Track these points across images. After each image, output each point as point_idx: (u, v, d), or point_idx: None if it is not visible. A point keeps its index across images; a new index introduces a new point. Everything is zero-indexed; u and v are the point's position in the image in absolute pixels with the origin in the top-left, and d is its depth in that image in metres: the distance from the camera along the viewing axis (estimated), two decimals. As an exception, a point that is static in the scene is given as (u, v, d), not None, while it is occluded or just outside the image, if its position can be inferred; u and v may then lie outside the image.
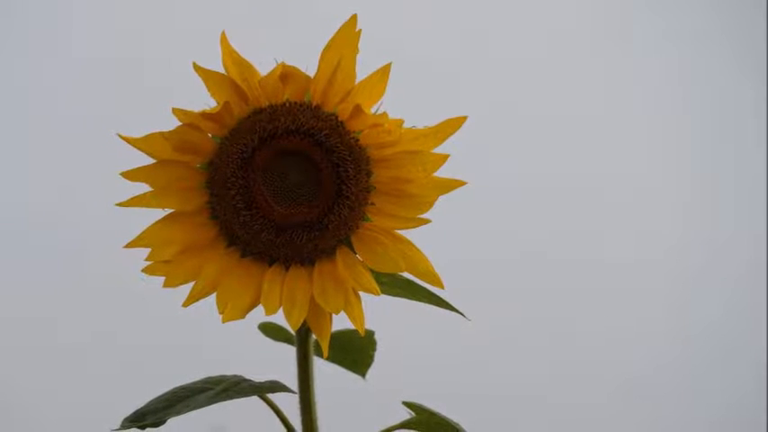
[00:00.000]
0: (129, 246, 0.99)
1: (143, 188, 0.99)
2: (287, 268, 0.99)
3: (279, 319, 0.99)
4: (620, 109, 2.44)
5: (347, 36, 0.96)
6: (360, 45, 0.96)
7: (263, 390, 1.04)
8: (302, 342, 1.07)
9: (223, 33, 0.96)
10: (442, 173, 0.98)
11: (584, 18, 2.44)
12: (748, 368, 2.37)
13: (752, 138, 2.42)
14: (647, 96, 2.45)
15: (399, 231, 0.99)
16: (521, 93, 2.42)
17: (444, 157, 0.97)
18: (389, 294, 1.05)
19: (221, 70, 0.97)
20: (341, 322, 1.00)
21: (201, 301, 0.99)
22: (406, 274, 0.99)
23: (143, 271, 0.99)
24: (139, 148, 0.98)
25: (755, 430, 2.34)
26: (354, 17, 0.96)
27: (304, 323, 0.98)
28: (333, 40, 0.96)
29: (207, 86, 0.97)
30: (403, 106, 0.99)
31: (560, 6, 2.43)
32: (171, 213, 0.99)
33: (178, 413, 1.02)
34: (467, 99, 2.32)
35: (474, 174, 1.01)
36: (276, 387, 1.04)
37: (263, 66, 0.97)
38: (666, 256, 2.41)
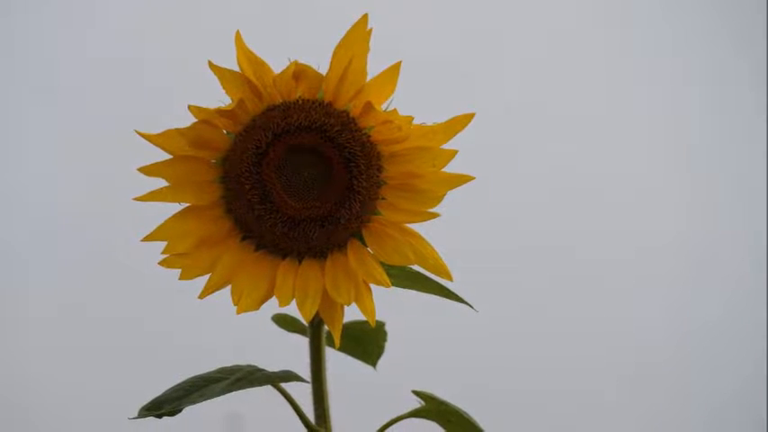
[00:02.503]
0: (145, 239, 0.99)
1: (160, 183, 0.99)
2: (300, 261, 0.99)
3: (292, 310, 0.99)
4: (621, 108, 2.44)
5: (358, 35, 0.96)
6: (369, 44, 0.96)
7: (277, 379, 1.04)
8: (315, 333, 1.07)
9: (238, 32, 0.96)
10: (450, 168, 0.98)
11: (583, 18, 2.43)
12: (748, 363, 2.36)
13: (752, 135, 2.42)
14: (648, 96, 2.44)
15: (409, 225, 0.99)
16: (522, 92, 2.41)
17: (453, 153, 0.97)
18: (400, 286, 1.05)
19: (235, 68, 0.96)
20: (352, 314, 0.99)
21: (217, 293, 0.99)
22: (416, 267, 0.99)
23: (160, 264, 0.99)
24: (156, 144, 0.98)
25: (755, 424, 2.34)
26: (365, 17, 0.96)
27: (316, 314, 0.98)
28: (344, 39, 0.96)
29: (222, 84, 0.97)
30: (411, 103, 0.99)
31: (559, 6, 2.42)
32: (187, 207, 0.99)
33: (194, 402, 1.02)
34: (470, 98, 2.32)
35: (480, 169, 1.00)
36: (289, 377, 1.04)
37: (275, 65, 0.97)
38: (667, 251, 2.41)
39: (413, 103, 1.00)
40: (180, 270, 0.99)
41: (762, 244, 2.39)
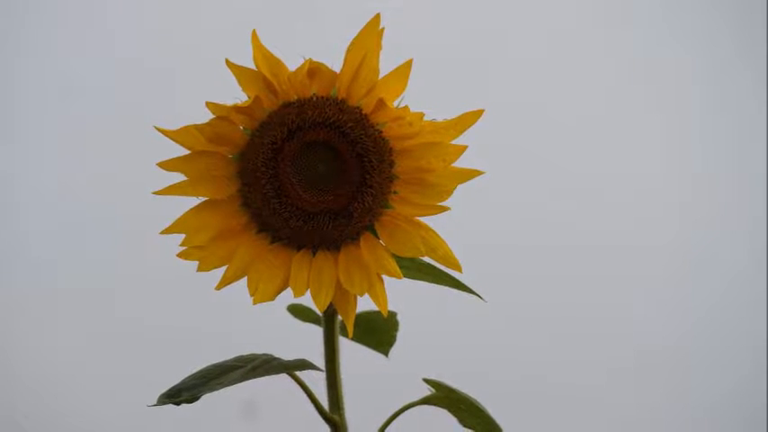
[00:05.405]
0: (164, 232, 0.99)
1: (178, 178, 0.99)
2: (314, 253, 1.00)
3: (306, 300, 0.99)
4: (621, 108, 2.43)
5: (371, 34, 0.96)
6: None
7: (292, 368, 1.04)
8: (328, 323, 1.07)
9: (254, 31, 0.96)
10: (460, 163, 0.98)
11: (584, 18, 2.43)
12: (747, 361, 2.36)
13: (752, 135, 2.41)
14: (647, 95, 2.43)
15: (420, 218, 0.99)
16: (524, 90, 2.41)
17: (462, 149, 0.98)
18: (411, 278, 1.05)
19: (252, 66, 0.96)
20: (365, 304, 0.99)
21: (233, 284, 0.99)
22: (427, 259, 0.99)
23: (178, 256, 0.99)
24: (175, 140, 0.98)
25: (754, 422, 2.33)
26: (378, 16, 0.97)
27: (330, 305, 0.98)
28: (357, 37, 0.96)
29: (238, 81, 0.97)
30: (421, 100, 0.99)
31: (561, 7, 2.42)
32: (204, 201, 1.00)
33: (211, 390, 1.02)
34: (471, 97, 2.31)
35: (484, 166, 1.00)
36: (304, 365, 1.04)
37: (289, 63, 0.97)
38: (667, 250, 2.40)
39: (421, 99, 1.00)
40: (197, 262, 0.99)
41: (761, 243, 2.38)
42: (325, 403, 1.07)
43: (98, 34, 2.34)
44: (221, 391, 1.03)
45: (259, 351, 1.08)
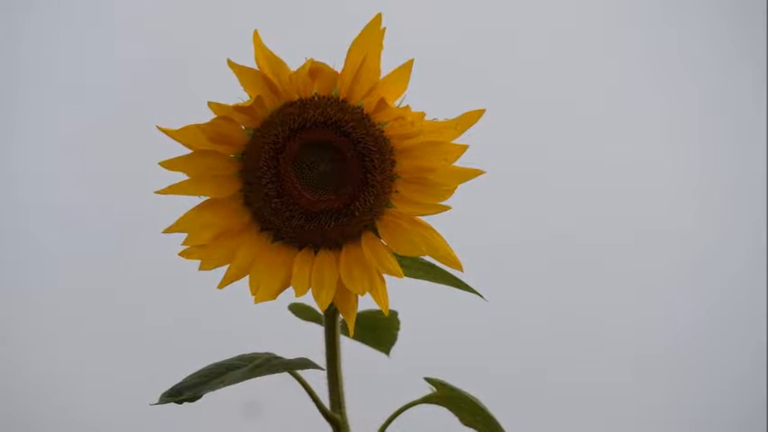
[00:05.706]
0: (167, 231, 0.99)
1: (180, 177, 0.99)
2: (315, 252, 1.00)
3: (308, 299, 0.99)
4: (623, 107, 2.43)
5: (372, 34, 0.96)
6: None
7: (294, 366, 1.04)
8: (330, 321, 1.07)
9: (256, 32, 0.96)
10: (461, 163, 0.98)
11: (584, 18, 2.43)
12: (746, 360, 2.36)
13: (752, 135, 2.41)
14: (648, 95, 2.44)
15: (421, 217, 0.99)
16: (526, 89, 2.41)
17: (464, 148, 0.98)
18: (412, 277, 1.06)
19: (253, 66, 0.97)
20: (366, 303, 1.00)
21: (235, 282, 0.99)
22: (428, 258, 0.99)
23: (180, 255, 0.99)
24: (176, 139, 0.98)
25: (755, 416, 2.33)
26: (379, 16, 0.97)
27: (331, 304, 0.98)
28: (359, 37, 0.97)
29: (240, 81, 0.97)
30: (422, 100, 0.99)
31: (561, 6, 2.42)
32: (206, 201, 1.00)
33: (213, 388, 1.02)
34: (477, 96, 2.32)
35: (489, 165, 1.00)
36: (306, 364, 1.04)
37: (291, 63, 0.97)
38: (668, 248, 2.40)
39: (422, 99, 1.00)
40: (199, 261, 0.99)
41: (761, 243, 2.39)
42: (326, 402, 1.08)
43: (99, 34, 2.34)
44: (223, 389, 1.03)
45: (260, 350, 1.08)
